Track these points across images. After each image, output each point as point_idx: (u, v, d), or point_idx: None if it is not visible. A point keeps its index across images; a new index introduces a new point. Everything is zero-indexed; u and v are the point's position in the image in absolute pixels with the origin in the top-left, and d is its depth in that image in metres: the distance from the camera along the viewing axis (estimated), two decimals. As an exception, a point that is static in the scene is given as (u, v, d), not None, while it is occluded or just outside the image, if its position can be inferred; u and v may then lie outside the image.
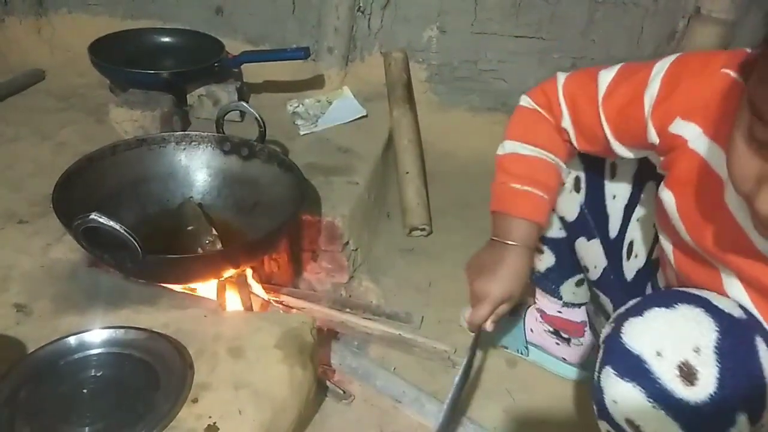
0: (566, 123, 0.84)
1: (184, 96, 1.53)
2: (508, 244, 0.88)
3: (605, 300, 1.01)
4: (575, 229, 0.97)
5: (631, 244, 0.93)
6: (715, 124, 0.65)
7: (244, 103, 1.20)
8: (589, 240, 0.95)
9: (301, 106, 1.61)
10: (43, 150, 1.43)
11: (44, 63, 1.85)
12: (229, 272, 1.02)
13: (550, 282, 1.09)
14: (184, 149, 1.22)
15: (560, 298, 1.09)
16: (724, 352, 0.59)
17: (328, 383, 1.09)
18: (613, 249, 0.94)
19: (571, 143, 0.86)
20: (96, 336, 0.90)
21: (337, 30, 1.70)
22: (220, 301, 1.05)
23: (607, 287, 0.98)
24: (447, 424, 0.88)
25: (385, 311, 1.27)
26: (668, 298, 0.64)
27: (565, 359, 1.15)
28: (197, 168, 1.23)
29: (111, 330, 0.91)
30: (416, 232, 1.49)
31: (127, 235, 0.86)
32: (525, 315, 1.19)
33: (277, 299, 1.24)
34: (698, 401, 0.59)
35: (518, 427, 1.05)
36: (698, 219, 0.69)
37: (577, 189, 0.93)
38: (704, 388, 0.59)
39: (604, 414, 0.68)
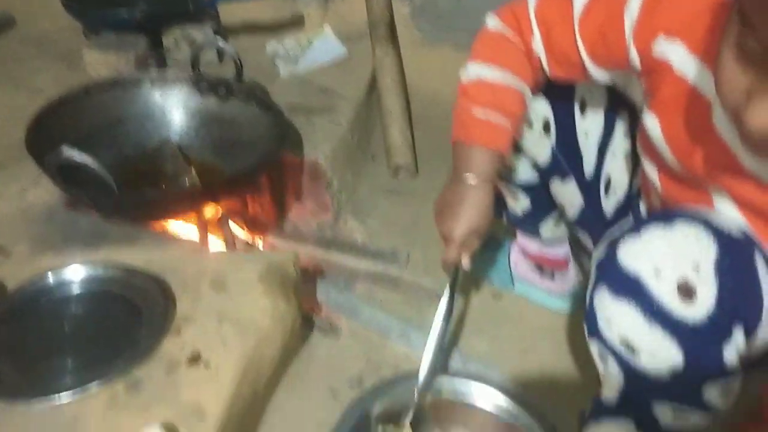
0: (537, 46, 0.80)
1: (159, 38, 1.49)
2: (467, 179, 0.84)
3: (585, 237, 1.00)
4: (548, 170, 0.94)
5: (608, 180, 0.92)
6: (702, 41, 0.62)
7: (219, 38, 1.17)
8: (563, 180, 0.93)
9: (280, 46, 1.57)
10: (17, 97, 1.40)
11: (14, 8, 1.79)
12: (209, 209, 1.00)
13: (528, 223, 1.08)
14: (160, 90, 1.20)
15: (540, 237, 1.09)
16: (724, 269, 0.58)
17: (314, 318, 1.09)
18: (590, 187, 0.92)
19: (541, 69, 0.82)
20: (75, 273, 0.90)
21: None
22: (202, 241, 1.04)
23: (585, 225, 0.98)
24: (432, 373, 0.87)
25: (370, 250, 1.26)
26: (666, 217, 0.63)
27: (550, 291, 1.16)
28: (174, 109, 1.21)
29: (90, 267, 0.90)
30: (401, 172, 1.47)
31: (101, 169, 0.84)
32: (509, 250, 1.19)
33: (261, 240, 1.23)
34: (696, 318, 0.59)
35: (504, 357, 1.06)
36: (685, 142, 0.67)
37: (546, 130, 0.90)
38: (703, 305, 0.59)
39: (596, 334, 0.68)
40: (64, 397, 0.73)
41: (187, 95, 1.20)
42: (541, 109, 0.89)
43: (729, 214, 0.65)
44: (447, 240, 0.86)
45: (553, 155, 0.92)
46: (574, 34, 0.74)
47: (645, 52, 0.68)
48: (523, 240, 1.13)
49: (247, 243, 1.18)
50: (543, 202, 1.02)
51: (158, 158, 1.15)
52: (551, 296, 1.16)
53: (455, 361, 1.04)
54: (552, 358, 1.07)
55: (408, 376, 0.90)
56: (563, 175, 0.93)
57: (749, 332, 0.61)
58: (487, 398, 0.90)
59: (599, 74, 0.76)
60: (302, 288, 1.05)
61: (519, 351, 1.08)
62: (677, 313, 0.60)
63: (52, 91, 1.38)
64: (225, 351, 0.81)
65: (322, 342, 1.07)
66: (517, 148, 0.95)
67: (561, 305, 1.15)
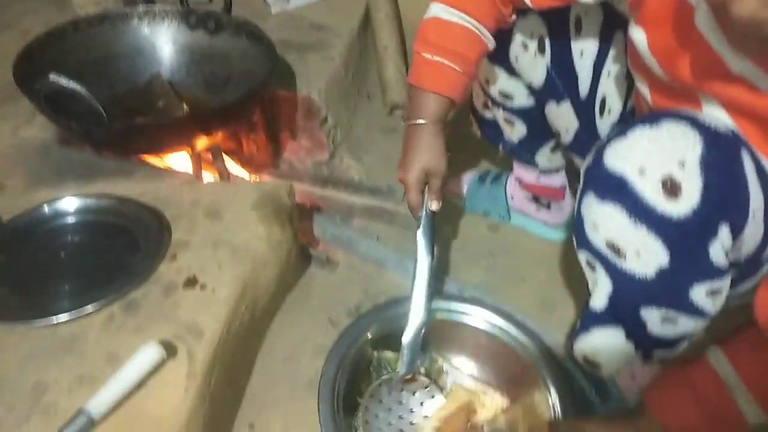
0: None
1: (147, -24, 1.45)
2: (417, 124, 0.84)
3: (580, 162, 1.00)
4: (544, 93, 0.93)
5: (603, 100, 0.91)
6: None
7: (206, -31, 1.14)
8: (558, 103, 0.92)
9: (271, -16, 1.53)
10: (6, 39, 1.37)
11: (-3, -50, 1.74)
12: (201, 141, 1.00)
13: (525, 151, 1.07)
14: (149, 24, 1.18)
15: (537, 166, 1.08)
16: (710, 164, 0.58)
17: (312, 252, 1.10)
18: (585, 109, 0.91)
19: (512, 7, 0.81)
20: (70, 204, 0.90)
21: None
22: (196, 173, 1.04)
23: (581, 149, 0.97)
24: (420, 327, 0.85)
25: (367, 186, 1.26)
26: (652, 118, 0.62)
27: (546, 222, 1.16)
28: (163, 44, 1.19)
29: (85, 198, 0.91)
30: (397, 110, 1.46)
31: (89, 96, 0.83)
32: (505, 182, 1.19)
33: (258, 178, 1.23)
34: (681, 215, 0.59)
35: (500, 284, 1.07)
36: (671, 52, 0.66)
37: (542, 51, 0.89)
38: (688, 201, 0.58)
39: (584, 242, 0.68)
40: (62, 318, 0.74)
41: (176, 30, 1.18)
42: (537, 28, 0.88)
43: (719, 119, 0.64)
44: (404, 185, 0.86)
45: (548, 76, 0.91)
46: None
47: None
48: (519, 170, 1.13)
49: (242, 178, 1.18)
50: (539, 129, 1.01)
51: (149, 94, 1.14)
52: (547, 227, 1.16)
53: (451, 288, 1.05)
54: (547, 286, 1.08)
55: (401, 301, 0.91)
56: (558, 98, 0.92)
57: (736, 231, 0.61)
58: (481, 318, 0.91)
59: None
60: (299, 222, 1.05)
61: (514, 280, 1.09)
62: (662, 210, 0.59)
63: (40, 32, 1.37)
64: (221, 274, 0.82)
65: (320, 274, 1.08)
66: (513, 72, 0.95)
67: (557, 236, 1.16)
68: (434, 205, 0.86)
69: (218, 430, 0.79)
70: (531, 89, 0.95)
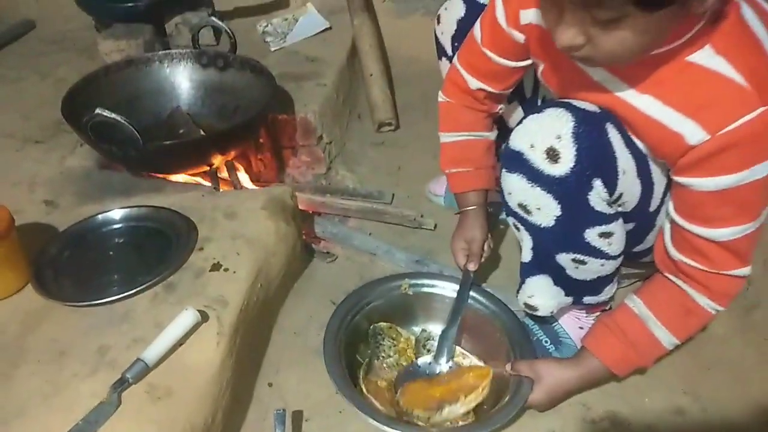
0: (473, 83, 1.00)
1: (162, 26, 1.68)
2: (462, 212, 1.11)
3: None
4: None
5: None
6: None
7: (214, 18, 1.36)
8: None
9: (269, 25, 1.76)
10: (45, 86, 1.60)
11: (32, 13, 2.00)
12: (217, 159, 1.20)
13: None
14: (168, 66, 1.39)
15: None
16: (579, 135, 0.77)
17: (314, 247, 1.29)
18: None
19: (490, 96, 1.02)
20: (116, 214, 1.10)
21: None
22: (214, 185, 1.24)
23: None
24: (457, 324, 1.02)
25: (360, 192, 1.46)
26: (541, 107, 0.83)
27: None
28: (181, 82, 1.40)
29: (127, 209, 1.11)
30: (384, 127, 1.66)
31: (129, 124, 1.04)
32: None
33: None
34: (562, 174, 0.79)
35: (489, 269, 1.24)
36: (556, 76, 0.87)
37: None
38: (565, 163, 0.78)
39: (507, 208, 0.89)
40: (116, 298, 0.93)
41: (191, 69, 1.39)
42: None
43: None
44: (452, 251, 1.10)
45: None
46: (484, 53, 0.96)
47: (518, 27, 0.89)
48: None
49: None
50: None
51: (171, 124, 1.35)
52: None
53: (433, 269, 1.23)
54: (516, 264, 1.24)
55: (392, 277, 1.09)
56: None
57: (609, 185, 0.80)
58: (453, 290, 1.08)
59: (521, 63, 0.96)
60: (303, 225, 1.25)
61: (489, 260, 1.26)
62: (548, 172, 0.79)
63: (75, 78, 1.58)
64: (239, 259, 1.01)
65: (322, 265, 1.27)
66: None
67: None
68: (471, 266, 1.07)
69: (243, 384, 0.97)
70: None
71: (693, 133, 0.71)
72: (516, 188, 0.84)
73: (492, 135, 1.10)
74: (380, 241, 1.31)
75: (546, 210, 0.83)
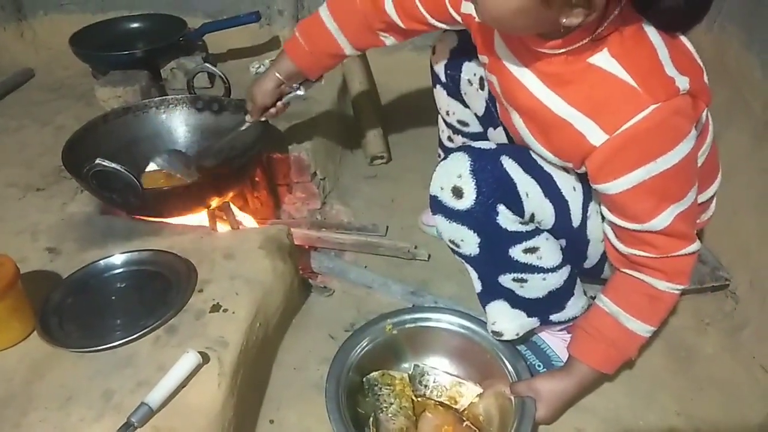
0: (390, 9, 1.06)
1: (158, 71, 1.73)
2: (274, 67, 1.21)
3: None
4: (485, 120, 1.20)
5: None
6: None
7: (208, 64, 1.41)
8: (495, 129, 1.18)
9: (261, 66, 1.81)
10: (45, 134, 1.64)
11: (31, 62, 2.06)
12: (215, 200, 1.24)
13: None
14: (164, 112, 1.44)
15: None
16: (476, 170, 0.87)
17: (311, 282, 1.32)
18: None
19: (390, 25, 1.08)
20: (117, 259, 1.13)
21: (282, -7, 1.91)
22: (212, 226, 1.27)
23: None
24: None
25: (355, 226, 1.50)
26: (448, 153, 0.91)
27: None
28: (177, 126, 1.45)
29: (128, 253, 1.14)
30: (377, 160, 1.71)
31: (128, 173, 1.08)
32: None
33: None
34: (468, 206, 0.88)
35: (469, 295, 1.25)
36: (493, 71, 0.93)
37: (482, 87, 1.16)
38: (468, 197, 0.87)
39: (449, 248, 0.97)
40: (120, 343, 0.96)
41: (187, 114, 1.44)
42: (477, 69, 1.16)
43: (518, 122, 0.91)
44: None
45: (487, 106, 1.18)
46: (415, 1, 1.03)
47: (458, 12, 0.98)
48: None
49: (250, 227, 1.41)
50: None
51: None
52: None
53: (427, 301, 1.26)
54: None
55: (372, 321, 1.10)
56: (495, 125, 1.18)
57: (514, 207, 0.88)
58: (449, 322, 1.10)
59: (440, 25, 1.05)
60: (298, 258, 1.28)
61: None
62: (458, 207, 0.89)
63: (74, 126, 1.62)
64: (238, 300, 1.04)
65: (319, 300, 1.30)
66: (465, 104, 1.23)
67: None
68: (248, 117, 1.25)
69: (245, 423, 1.00)
70: (478, 118, 1.22)
71: (594, 133, 0.78)
72: (442, 227, 0.93)
73: (348, 52, 1.16)
74: (376, 274, 1.34)
75: (468, 240, 0.91)
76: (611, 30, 0.75)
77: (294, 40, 1.17)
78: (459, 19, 0.99)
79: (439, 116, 1.32)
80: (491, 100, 1.16)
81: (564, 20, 0.71)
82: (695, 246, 0.86)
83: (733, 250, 1.25)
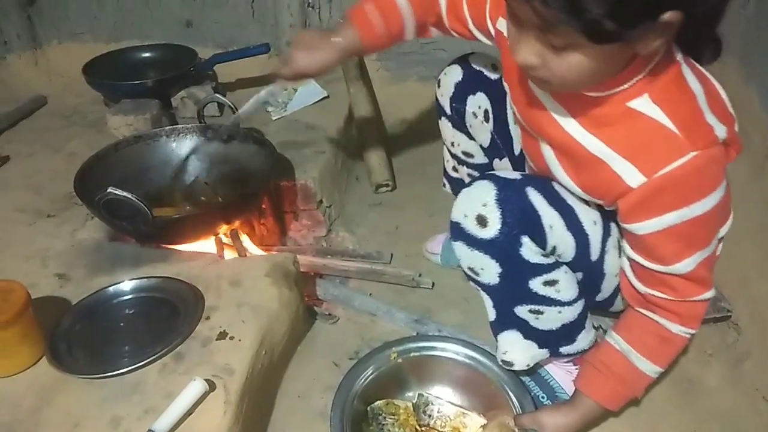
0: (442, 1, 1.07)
1: (168, 100, 1.77)
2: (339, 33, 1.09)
3: None
4: (491, 152, 1.22)
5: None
6: None
7: (218, 95, 1.44)
8: (501, 159, 1.20)
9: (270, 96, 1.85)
10: (57, 161, 1.67)
11: (44, 89, 2.10)
12: (223, 228, 1.26)
13: None
14: (174, 141, 1.47)
15: None
16: (502, 200, 0.87)
17: (316, 309, 1.33)
18: (519, 162, 1.19)
19: (440, 16, 1.07)
20: (126, 285, 1.15)
21: (291, 25, 1.96)
22: (219, 253, 1.29)
23: None
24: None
25: (360, 253, 1.51)
26: (470, 182, 0.92)
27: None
28: (187, 154, 1.47)
29: (137, 280, 1.16)
30: (382, 188, 1.73)
31: (138, 201, 1.10)
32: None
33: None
34: (492, 236, 0.88)
35: (473, 323, 1.29)
36: (520, 100, 0.94)
37: (486, 119, 1.18)
38: (493, 226, 0.87)
39: (466, 275, 0.97)
40: (127, 370, 0.97)
41: (197, 142, 1.46)
42: (482, 102, 1.18)
43: (547, 154, 0.91)
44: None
45: (492, 138, 1.20)
46: (463, 5, 1.03)
47: (495, 27, 0.97)
48: None
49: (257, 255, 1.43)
50: None
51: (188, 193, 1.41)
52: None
53: (431, 329, 1.27)
54: None
55: (377, 350, 1.10)
56: (500, 156, 1.21)
57: (538, 239, 0.88)
58: (454, 352, 1.10)
59: (477, 35, 1.04)
60: (305, 287, 1.30)
61: (485, 319, 1.30)
62: (481, 236, 0.89)
63: (85, 152, 1.66)
64: (244, 327, 1.05)
65: (324, 327, 1.31)
66: (470, 136, 1.24)
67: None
68: (281, 71, 1.17)
69: (250, 450, 1.00)
70: (483, 149, 1.24)
71: (632, 175, 0.78)
72: (462, 254, 0.93)
73: (408, 38, 1.11)
74: (380, 302, 1.35)
75: (488, 269, 0.91)
76: (658, 71, 0.75)
77: (363, 17, 1.07)
78: (493, 32, 0.98)
79: (444, 147, 1.34)
80: (497, 132, 1.18)
81: (643, 51, 0.71)
82: (711, 293, 0.86)
83: (733, 282, 1.26)
